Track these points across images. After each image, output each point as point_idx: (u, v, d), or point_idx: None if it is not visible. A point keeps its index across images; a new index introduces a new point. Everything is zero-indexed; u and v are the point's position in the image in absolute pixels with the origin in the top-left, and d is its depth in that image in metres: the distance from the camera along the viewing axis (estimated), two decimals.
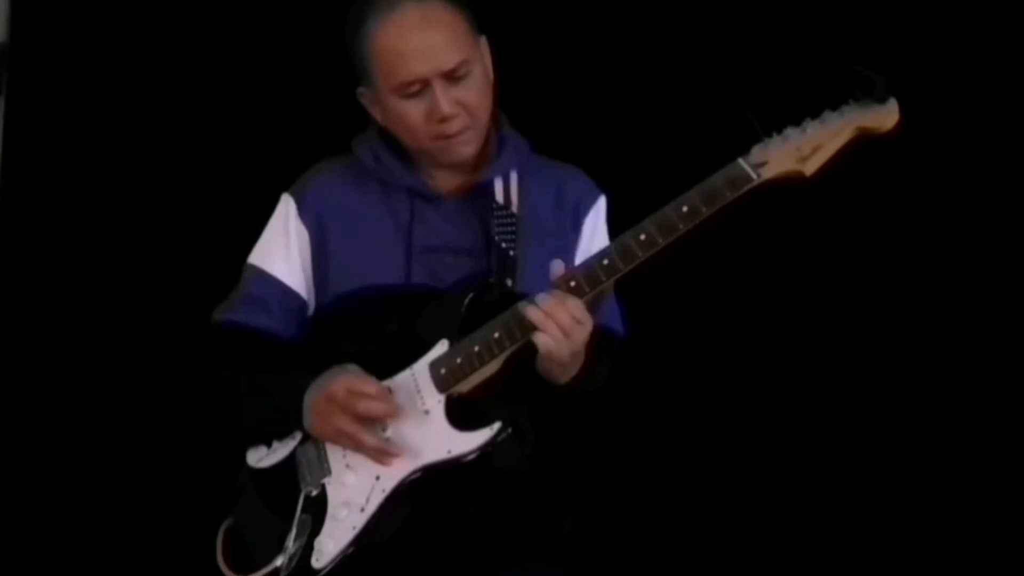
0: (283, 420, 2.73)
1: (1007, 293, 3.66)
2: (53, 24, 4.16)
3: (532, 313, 2.55)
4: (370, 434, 2.62)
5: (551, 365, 2.59)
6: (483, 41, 2.79)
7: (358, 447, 2.64)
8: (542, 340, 2.54)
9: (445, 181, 2.82)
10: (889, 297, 3.70)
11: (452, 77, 2.69)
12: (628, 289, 2.73)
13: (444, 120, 2.70)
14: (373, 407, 2.62)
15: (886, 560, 3.71)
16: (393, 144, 2.82)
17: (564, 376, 2.62)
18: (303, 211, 2.83)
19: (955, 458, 3.68)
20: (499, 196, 2.80)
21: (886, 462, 3.72)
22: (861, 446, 3.73)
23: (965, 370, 3.68)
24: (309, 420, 2.68)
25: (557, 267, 2.58)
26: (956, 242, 3.66)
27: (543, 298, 2.55)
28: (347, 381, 2.64)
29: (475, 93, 2.73)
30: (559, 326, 2.53)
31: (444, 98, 2.69)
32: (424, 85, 2.69)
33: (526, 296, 2.62)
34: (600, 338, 2.63)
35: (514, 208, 2.80)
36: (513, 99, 2.87)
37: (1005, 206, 3.65)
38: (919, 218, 3.66)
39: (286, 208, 2.85)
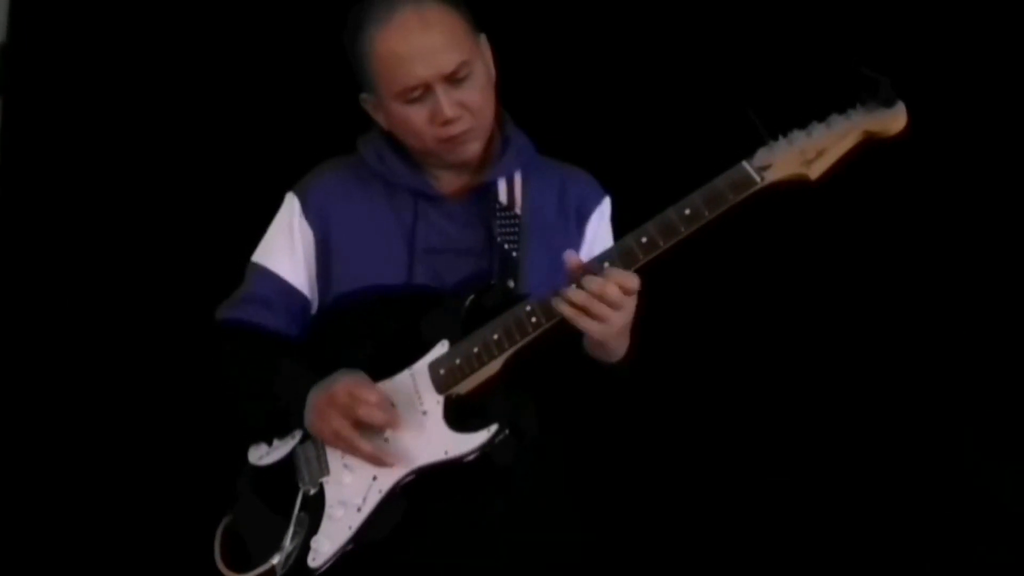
0: (284, 417, 2.72)
1: (1011, 297, 3.66)
2: (52, 24, 4.16)
3: (575, 295, 2.50)
4: (366, 440, 2.61)
5: (604, 345, 2.56)
6: (483, 40, 2.78)
7: (353, 452, 2.63)
8: (585, 324, 2.50)
9: (449, 182, 2.81)
10: (894, 301, 3.70)
11: (453, 79, 2.68)
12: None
13: (447, 123, 2.69)
14: (373, 415, 2.61)
15: (886, 560, 3.69)
16: (397, 145, 2.81)
17: (617, 352, 2.60)
18: (307, 210, 2.82)
19: (955, 458, 3.68)
20: (502, 197, 2.79)
21: (888, 462, 3.71)
22: (863, 448, 3.72)
23: (968, 372, 3.67)
24: (310, 419, 2.67)
25: (571, 257, 2.55)
26: (962, 246, 3.66)
27: (589, 279, 2.50)
28: (350, 385, 2.62)
29: (477, 94, 2.72)
30: (609, 302, 2.49)
31: (446, 101, 2.68)
32: (426, 89, 2.68)
33: (527, 297, 2.62)
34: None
35: (517, 209, 2.78)
36: (516, 99, 2.86)
37: (1011, 210, 3.64)
38: (925, 223, 3.66)
39: (291, 207, 2.84)
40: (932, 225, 3.66)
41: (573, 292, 2.50)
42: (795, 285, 3.71)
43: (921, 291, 3.68)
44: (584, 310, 2.50)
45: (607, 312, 2.50)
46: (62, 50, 4.15)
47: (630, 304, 2.53)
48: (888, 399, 3.71)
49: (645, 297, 2.57)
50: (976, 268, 3.64)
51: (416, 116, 2.70)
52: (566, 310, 2.51)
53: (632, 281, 2.51)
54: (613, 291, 2.49)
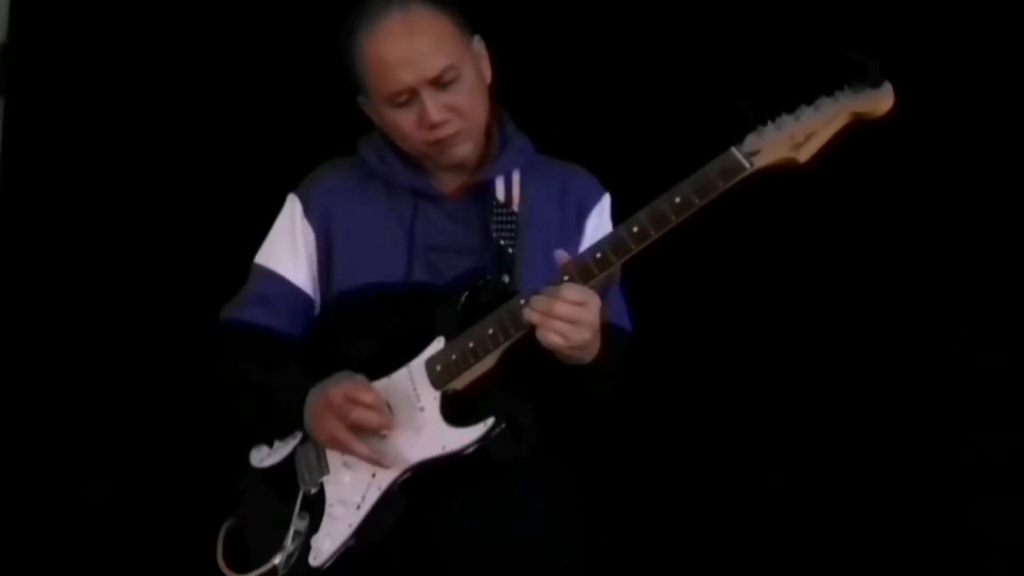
0: (284, 419, 2.74)
1: (1003, 281, 3.65)
2: (53, 24, 4.17)
3: (529, 315, 2.53)
4: (361, 443, 2.63)
5: (571, 353, 2.56)
6: (476, 41, 2.79)
7: (350, 455, 2.65)
8: (551, 339, 2.52)
9: (448, 181, 2.81)
10: (885, 286, 3.69)
11: (439, 83, 2.69)
12: (631, 286, 2.76)
13: (434, 127, 2.70)
14: (367, 417, 2.62)
15: (886, 560, 3.69)
16: (397, 145, 2.82)
17: (588, 356, 2.59)
18: (309, 211, 2.83)
19: (954, 457, 3.68)
20: (500, 195, 2.80)
21: (886, 461, 3.71)
22: (861, 444, 3.73)
23: (963, 364, 3.67)
24: (308, 421, 2.69)
25: (561, 256, 2.56)
26: (952, 229, 3.65)
27: (537, 299, 2.53)
28: (346, 388, 2.64)
29: (465, 97, 2.72)
30: (562, 318, 2.51)
31: (432, 105, 2.69)
32: (412, 94, 2.69)
33: (521, 292, 2.62)
34: (608, 335, 2.62)
35: (515, 206, 2.79)
36: (516, 99, 2.86)
37: (1001, 191, 3.63)
38: (915, 205, 3.65)
39: (292, 208, 2.86)
40: (923, 208, 3.65)
41: (528, 312, 2.52)
42: (787, 271, 3.71)
43: (913, 277, 3.68)
44: (543, 326, 2.51)
45: (566, 328, 2.51)
46: (62, 50, 4.16)
47: (586, 315, 2.52)
48: (884, 396, 3.71)
49: (640, 291, 2.57)
50: (968, 254, 3.64)
51: (404, 120, 2.72)
52: (533, 318, 2.52)
53: (576, 293, 2.51)
54: (562, 308, 2.50)
